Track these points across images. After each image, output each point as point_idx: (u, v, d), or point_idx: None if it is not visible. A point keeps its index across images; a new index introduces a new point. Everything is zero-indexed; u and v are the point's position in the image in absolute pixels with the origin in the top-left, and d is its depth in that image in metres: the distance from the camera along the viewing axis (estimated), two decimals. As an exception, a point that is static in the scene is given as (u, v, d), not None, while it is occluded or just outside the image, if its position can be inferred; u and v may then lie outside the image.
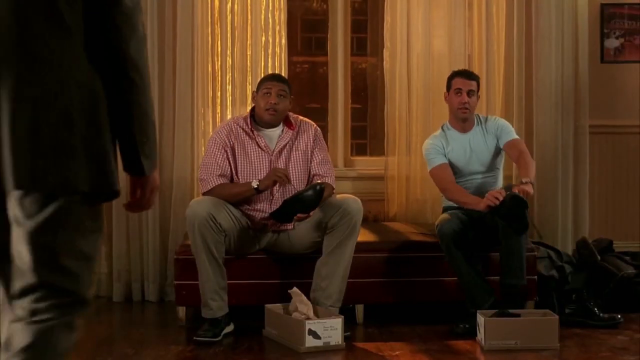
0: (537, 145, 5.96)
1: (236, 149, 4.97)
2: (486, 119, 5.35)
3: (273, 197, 4.95)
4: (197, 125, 5.85)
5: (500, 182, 5.35)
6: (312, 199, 4.72)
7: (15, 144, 2.18)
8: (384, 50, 6.07)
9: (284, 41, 6.00)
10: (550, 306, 5.08)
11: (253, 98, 5.06)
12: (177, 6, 5.83)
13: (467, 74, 5.28)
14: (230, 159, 4.97)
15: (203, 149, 5.72)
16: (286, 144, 5.02)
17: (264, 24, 5.95)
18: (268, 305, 4.80)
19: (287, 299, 4.73)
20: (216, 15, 5.95)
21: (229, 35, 5.95)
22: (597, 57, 6.18)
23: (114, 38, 2.33)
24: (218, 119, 5.92)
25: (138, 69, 2.34)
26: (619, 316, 5.08)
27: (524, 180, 4.98)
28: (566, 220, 5.99)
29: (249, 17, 5.96)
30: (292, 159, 5.02)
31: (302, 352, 4.46)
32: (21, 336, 2.24)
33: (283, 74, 5.95)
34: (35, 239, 2.23)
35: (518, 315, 4.69)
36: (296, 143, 5.04)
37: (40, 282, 2.25)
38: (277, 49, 5.99)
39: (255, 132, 4.99)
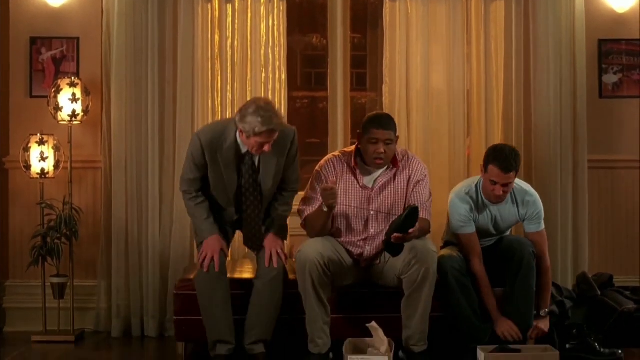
0: (537, 180, 5.96)
1: (337, 185, 4.99)
2: (523, 197, 5.14)
3: (369, 234, 5.02)
4: (197, 160, 5.87)
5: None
6: (399, 221, 4.71)
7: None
8: (384, 86, 6.10)
9: (283, 77, 6.04)
10: (551, 341, 5.07)
11: (358, 137, 5.06)
12: (177, 42, 5.88)
13: (506, 166, 4.90)
14: None
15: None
16: (387, 181, 5.05)
17: (264, 60, 5.99)
18: (351, 339, 4.84)
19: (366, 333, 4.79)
20: (216, 51, 6.00)
21: (229, 71, 5.99)
22: (595, 92, 6.20)
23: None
24: (218, 154, 5.94)
25: None
26: (620, 351, 5.07)
27: (542, 314, 5.06)
28: (566, 254, 5.98)
29: (249, 53, 6.00)
30: (391, 195, 5.05)
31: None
32: None
33: (282, 110, 5.99)
34: None
35: (519, 351, 4.69)
36: (397, 180, 5.07)
37: None
38: (277, 85, 6.03)
39: (358, 171, 5.04)
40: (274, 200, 5.07)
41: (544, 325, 5.06)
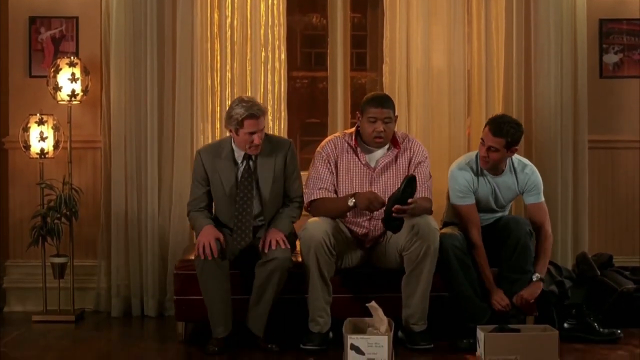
0: (537, 160, 5.94)
1: (339, 164, 5.07)
2: (523, 168, 5.21)
3: (374, 214, 5.02)
4: (196, 140, 5.86)
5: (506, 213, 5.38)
6: (399, 192, 4.75)
7: None
8: (384, 66, 6.08)
9: (283, 56, 6.02)
10: (550, 321, 5.08)
11: (357, 118, 5.09)
12: (176, 21, 5.85)
13: (495, 130, 5.01)
14: (333, 173, 5.07)
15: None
16: (389, 162, 5.08)
17: (264, 40, 5.97)
18: (351, 319, 4.83)
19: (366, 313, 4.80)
20: (216, 30, 5.97)
21: (228, 50, 5.96)
22: (596, 72, 6.18)
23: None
24: (217, 134, 5.94)
25: None
26: (619, 331, 5.08)
27: (534, 278, 5.03)
28: (566, 234, 5.98)
29: (249, 32, 5.97)
30: (393, 176, 5.07)
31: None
32: None
33: (282, 90, 5.99)
34: None
35: (518, 330, 4.69)
36: (399, 161, 5.10)
37: None
38: (277, 64, 6.01)
39: (359, 149, 5.07)
40: (280, 208, 5.11)
41: (529, 293, 5.03)
